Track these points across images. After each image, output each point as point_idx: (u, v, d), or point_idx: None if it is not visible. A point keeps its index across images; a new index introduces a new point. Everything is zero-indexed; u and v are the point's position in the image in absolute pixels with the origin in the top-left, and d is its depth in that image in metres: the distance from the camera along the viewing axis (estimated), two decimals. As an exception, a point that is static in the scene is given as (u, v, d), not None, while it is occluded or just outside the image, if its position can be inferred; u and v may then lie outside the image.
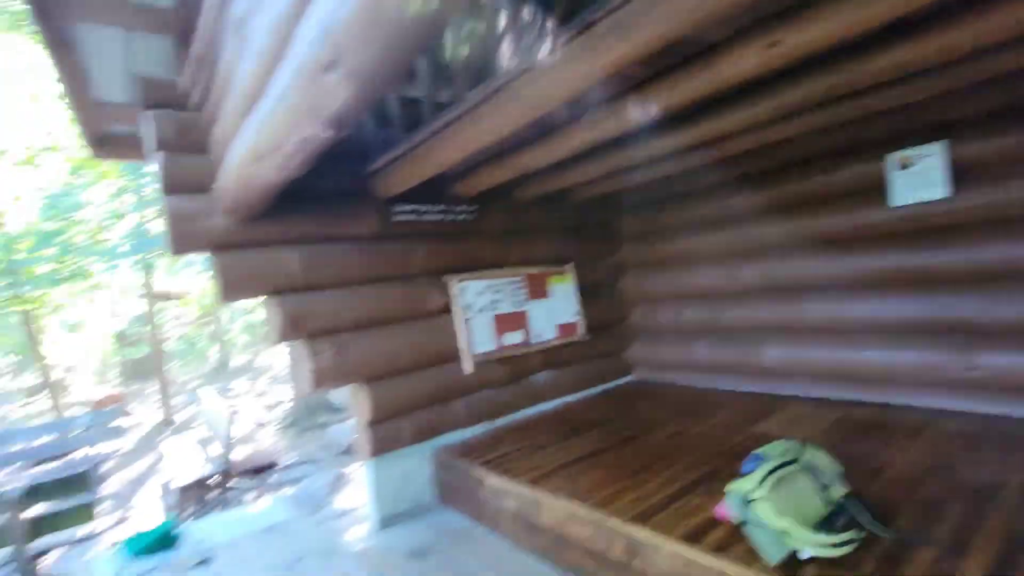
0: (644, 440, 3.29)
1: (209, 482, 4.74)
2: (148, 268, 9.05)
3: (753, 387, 3.94)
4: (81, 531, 3.57)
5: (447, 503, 3.52)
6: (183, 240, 2.80)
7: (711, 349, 4.20)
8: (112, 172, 7.91)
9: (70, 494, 3.44)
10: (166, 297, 19.15)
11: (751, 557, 1.85)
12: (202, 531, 1.94)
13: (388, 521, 3.40)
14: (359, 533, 3.41)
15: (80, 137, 3.26)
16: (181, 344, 18.00)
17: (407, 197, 3.54)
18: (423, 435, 3.59)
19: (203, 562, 1.65)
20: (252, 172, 2.28)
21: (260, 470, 5.60)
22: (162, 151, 2.79)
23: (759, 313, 3.87)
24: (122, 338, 16.74)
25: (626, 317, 4.92)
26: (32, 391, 16.46)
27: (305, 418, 7.29)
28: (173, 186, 2.80)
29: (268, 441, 7.06)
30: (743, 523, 1.88)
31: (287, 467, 5.67)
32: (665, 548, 2.05)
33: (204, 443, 5.82)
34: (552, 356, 4.27)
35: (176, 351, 18.26)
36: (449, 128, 2.59)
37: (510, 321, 3.99)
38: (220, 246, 2.90)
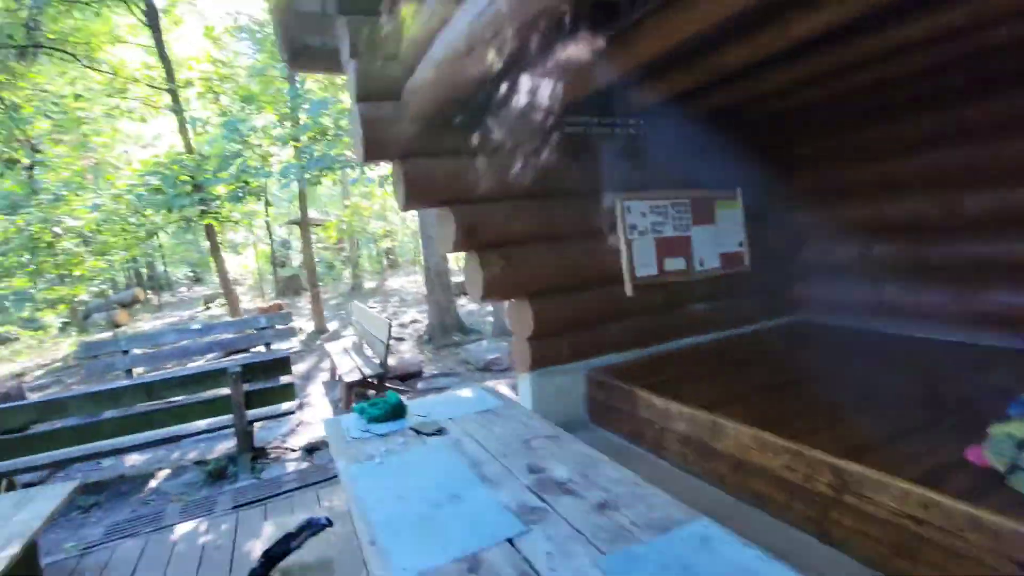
0: (827, 381, 3.01)
1: (370, 381, 5.27)
2: (299, 193, 9.92)
3: (963, 336, 3.40)
4: (283, 407, 4.14)
5: (598, 422, 3.55)
6: (374, 147, 2.92)
7: (907, 290, 3.66)
8: (270, 105, 8.62)
9: (275, 375, 3.98)
10: (309, 223, 21.16)
11: (1016, 505, 1.60)
12: (421, 409, 2.11)
13: (543, 431, 3.53)
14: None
15: (279, 50, 3.47)
16: (321, 267, 20.05)
17: (576, 108, 3.37)
18: (579, 354, 3.60)
19: (439, 431, 1.79)
20: (455, 69, 2.24)
21: (408, 376, 6.14)
22: (355, 58, 2.87)
23: (984, 249, 3.26)
24: (273, 258, 19.03)
25: (797, 251, 4.45)
26: (208, 299, 19.44)
27: (440, 336, 7.79)
28: (365, 93, 2.89)
29: (408, 354, 7.68)
30: (1012, 469, 1.62)
31: (430, 376, 6.14)
32: (893, 486, 1.85)
33: (356, 349, 6.47)
34: (712, 286, 4.01)
35: (317, 272, 20.37)
36: (652, 17, 2.34)
37: (673, 246, 3.77)
38: (406, 153, 2.98)
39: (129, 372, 6.10)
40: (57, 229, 7.45)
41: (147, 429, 3.66)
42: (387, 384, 5.64)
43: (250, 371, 3.80)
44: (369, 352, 6.33)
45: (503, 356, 6.18)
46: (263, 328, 6.95)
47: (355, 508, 1.31)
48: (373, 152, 2.96)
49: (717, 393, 2.92)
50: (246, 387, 3.89)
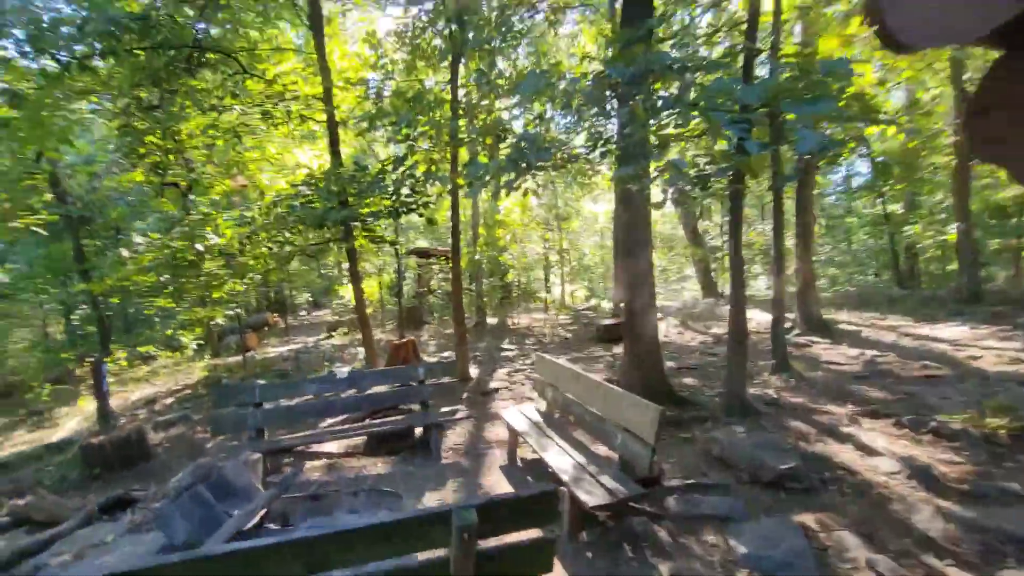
0: None
1: (632, 504, 3.20)
2: (452, 208, 8.43)
3: None
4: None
5: None
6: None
7: None
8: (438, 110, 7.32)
9: (529, 523, 2.04)
10: (428, 255, 20.33)
11: None
12: None
13: None
14: None
15: None
16: (442, 299, 18.95)
17: None
18: None
19: None
20: None
21: (645, 483, 3.98)
22: None
23: None
24: (398, 288, 18.17)
25: None
26: (331, 327, 18.92)
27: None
28: None
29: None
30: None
31: (679, 488, 3.93)
32: None
33: (551, 426, 4.47)
34: None
35: (437, 306, 19.37)
36: None
37: None
38: None
39: (260, 433, 4.61)
40: (199, 246, 6.50)
41: (299, 625, 1.84)
42: (633, 506, 3.53)
43: (489, 516, 1.88)
44: (567, 435, 4.29)
45: (800, 465, 3.84)
46: (421, 381, 5.25)
47: None
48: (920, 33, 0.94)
49: None
50: (488, 544, 1.98)
